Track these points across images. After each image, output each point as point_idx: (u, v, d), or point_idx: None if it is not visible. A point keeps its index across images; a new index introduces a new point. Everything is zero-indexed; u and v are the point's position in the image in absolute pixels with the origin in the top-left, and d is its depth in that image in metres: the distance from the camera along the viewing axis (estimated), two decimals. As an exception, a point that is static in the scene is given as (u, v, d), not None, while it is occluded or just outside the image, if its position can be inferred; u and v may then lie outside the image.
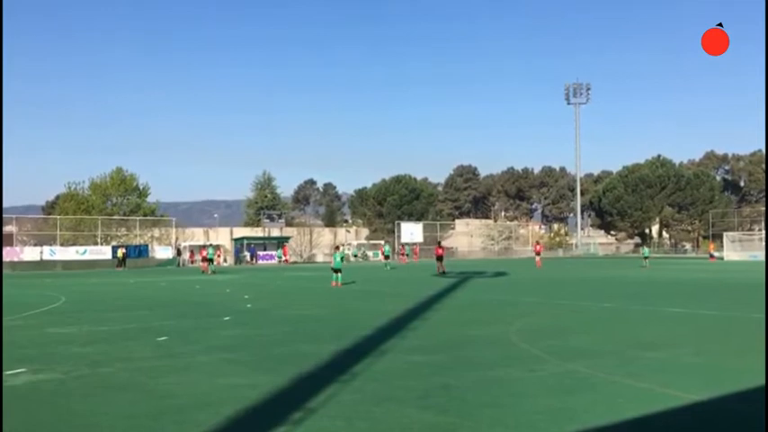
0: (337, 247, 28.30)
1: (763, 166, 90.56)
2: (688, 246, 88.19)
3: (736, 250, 56.63)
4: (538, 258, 43.97)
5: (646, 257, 42.98)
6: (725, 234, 60.00)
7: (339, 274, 24.64)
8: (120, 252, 50.40)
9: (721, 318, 13.55)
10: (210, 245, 49.13)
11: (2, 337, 10.65)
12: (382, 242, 65.00)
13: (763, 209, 76.14)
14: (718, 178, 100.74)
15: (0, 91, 11.24)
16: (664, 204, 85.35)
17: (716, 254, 56.86)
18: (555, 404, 6.35)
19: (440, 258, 34.82)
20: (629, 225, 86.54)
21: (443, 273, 32.73)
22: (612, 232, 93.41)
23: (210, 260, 40.11)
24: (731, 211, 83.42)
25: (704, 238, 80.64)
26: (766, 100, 9.55)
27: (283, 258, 60.82)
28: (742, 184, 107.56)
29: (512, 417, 5.96)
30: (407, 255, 64.14)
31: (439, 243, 38.73)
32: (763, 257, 46.52)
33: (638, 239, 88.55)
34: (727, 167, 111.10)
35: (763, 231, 59.08)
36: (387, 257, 47.40)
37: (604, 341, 10.41)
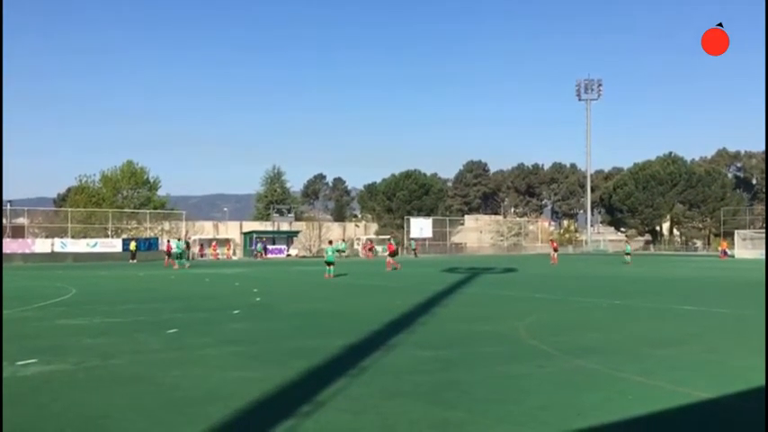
0: (330, 242, 31.65)
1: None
2: (699, 243, 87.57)
3: (747, 248, 56.32)
4: (554, 255, 44.35)
5: (627, 254, 44.38)
6: (736, 232, 59.62)
7: (332, 267, 26.92)
8: (133, 245, 50.82)
9: (732, 316, 13.45)
10: (178, 239, 44.92)
11: (1, 329, 10.75)
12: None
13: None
14: (729, 176, 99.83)
15: (0, 91, 11.27)
16: (675, 202, 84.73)
17: (728, 251, 56.78)
18: (564, 400, 6.33)
19: (393, 254, 36.06)
20: (640, 222, 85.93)
21: (396, 269, 33.31)
22: (623, 229, 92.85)
23: (180, 255, 38.09)
24: (743, 208, 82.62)
25: (715, 235, 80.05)
26: (766, 99, 9.49)
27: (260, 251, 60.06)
28: (754, 181, 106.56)
29: (520, 412, 5.95)
30: (413, 249, 65.28)
31: (389, 239, 41.63)
32: None
33: (648, 237, 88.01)
34: (739, 165, 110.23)
35: (764, 230, 58.57)
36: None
37: (614, 338, 10.36)
